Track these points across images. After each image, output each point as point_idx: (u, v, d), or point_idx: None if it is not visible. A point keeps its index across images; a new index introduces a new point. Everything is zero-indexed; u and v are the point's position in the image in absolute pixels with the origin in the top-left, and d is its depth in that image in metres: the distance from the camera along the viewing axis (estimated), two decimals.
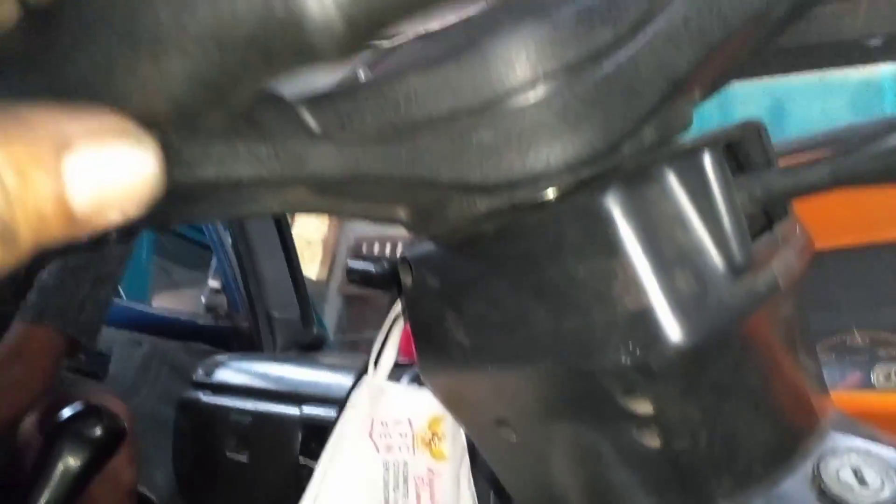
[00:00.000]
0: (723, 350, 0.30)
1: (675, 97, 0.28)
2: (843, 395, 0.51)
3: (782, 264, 0.31)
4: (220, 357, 1.40)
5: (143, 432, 1.44)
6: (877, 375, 0.49)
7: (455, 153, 0.27)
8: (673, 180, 0.29)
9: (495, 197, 0.30)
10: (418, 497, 0.39)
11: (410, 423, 0.40)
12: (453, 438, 0.41)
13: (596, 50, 0.26)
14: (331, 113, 0.26)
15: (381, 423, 0.39)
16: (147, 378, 1.64)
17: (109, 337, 1.55)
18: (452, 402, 0.40)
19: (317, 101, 0.27)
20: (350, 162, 0.27)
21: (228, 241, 1.63)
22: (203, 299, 1.81)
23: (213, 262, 1.78)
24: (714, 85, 0.34)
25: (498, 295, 0.33)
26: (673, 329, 0.28)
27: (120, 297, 1.65)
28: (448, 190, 0.30)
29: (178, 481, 1.32)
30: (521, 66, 0.26)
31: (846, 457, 0.34)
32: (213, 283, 1.76)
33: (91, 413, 0.72)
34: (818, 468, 0.34)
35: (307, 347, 1.49)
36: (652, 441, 0.31)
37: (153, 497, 1.42)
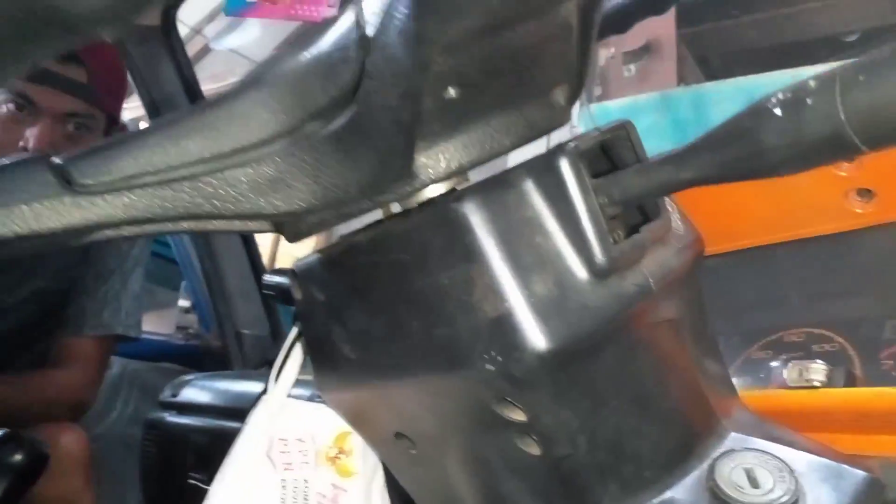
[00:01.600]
0: (594, 354, 0.29)
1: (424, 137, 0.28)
2: (758, 394, 0.50)
3: (656, 264, 0.30)
4: (188, 376, 1.38)
5: (113, 454, 1.42)
6: (790, 373, 0.49)
7: (222, 192, 0.28)
8: (529, 185, 0.28)
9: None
10: None
11: (313, 440, 0.39)
12: (363, 454, 0.40)
13: (317, 111, 0.27)
14: (89, 165, 0.27)
15: (281, 441, 0.38)
16: (117, 400, 1.63)
17: None
18: (352, 417, 0.39)
19: (79, 158, 0.27)
20: (125, 209, 0.27)
21: (197, 259, 1.61)
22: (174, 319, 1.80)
23: (184, 282, 1.77)
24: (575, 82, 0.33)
25: (375, 307, 0.32)
26: (533, 334, 0.27)
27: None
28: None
29: (145, 502, 1.31)
30: (257, 126, 0.28)
31: (742, 458, 0.34)
32: (184, 303, 1.74)
33: (10, 440, 0.71)
34: (712, 470, 0.33)
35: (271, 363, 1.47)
36: (532, 448, 0.31)
37: None
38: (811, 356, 0.54)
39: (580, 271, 0.28)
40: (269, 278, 0.49)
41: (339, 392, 0.37)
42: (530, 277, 0.27)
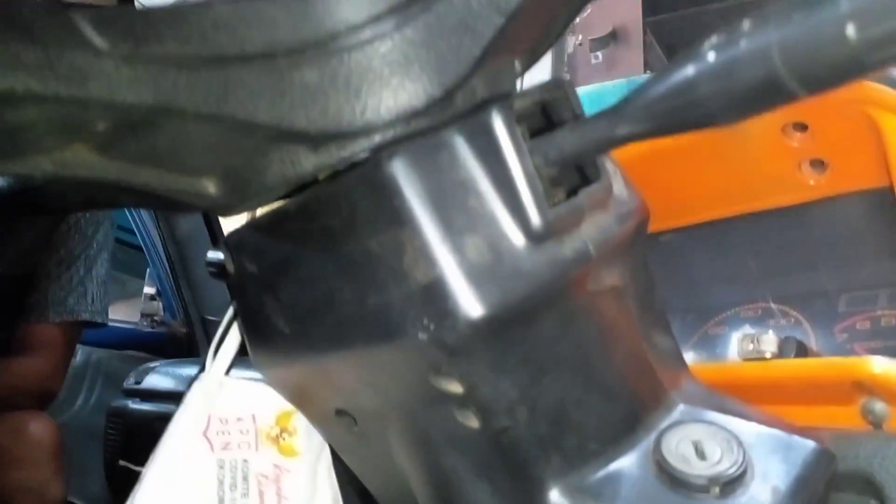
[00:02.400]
0: (531, 321, 0.28)
1: (505, 43, 0.26)
2: (707, 367, 0.50)
3: (595, 230, 0.29)
4: (152, 364, 1.36)
5: (77, 443, 1.40)
6: (741, 345, 0.48)
7: (275, 92, 0.25)
8: (461, 145, 0.27)
9: (323, 152, 0.27)
10: (261, 495, 0.37)
11: (254, 419, 0.38)
12: (308, 433, 0.39)
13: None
14: (120, 30, 0.23)
15: (220, 420, 0.37)
16: (82, 388, 1.60)
17: None
18: (292, 395, 0.38)
19: (102, 16, 0.24)
20: (145, 87, 0.24)
21: (161, 246, 1.59)
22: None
23: (149, 269, 1.74)
24: (537, 48, 0.32)
25: (307, 276, 0.31)
26: (465, 300, 0.26)
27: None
28: (268, 140, 0.27)
29: (109, 491, 1.29)
30: (347, 8, 0.24)
31: (690, 429, 0.33)
32: (148, 289, 1.72)
33: None
34: (659, 442, 0.32)
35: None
36: (471, 422, 0.30)
37: None
38: (767, 331, 0.53)
39: (515, 235, 0.27)
40: (210, 255, 0.47)
41: (276, 369, 0.36)
42: (462, 242, 0.26)
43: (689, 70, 0.22)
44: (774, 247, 0.56)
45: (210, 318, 1.52)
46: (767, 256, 0.57)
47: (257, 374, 0.42)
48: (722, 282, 0.59)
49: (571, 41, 2.13)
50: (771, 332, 0.48)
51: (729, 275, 0.59)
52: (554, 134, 0.27)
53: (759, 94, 0.21)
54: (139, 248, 1.74)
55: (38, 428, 1.19)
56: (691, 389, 0.37)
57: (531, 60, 0.32)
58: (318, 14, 0.24)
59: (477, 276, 0.26)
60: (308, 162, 0.28)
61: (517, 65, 0.31)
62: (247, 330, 0.36)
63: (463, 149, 0.27)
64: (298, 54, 0.25)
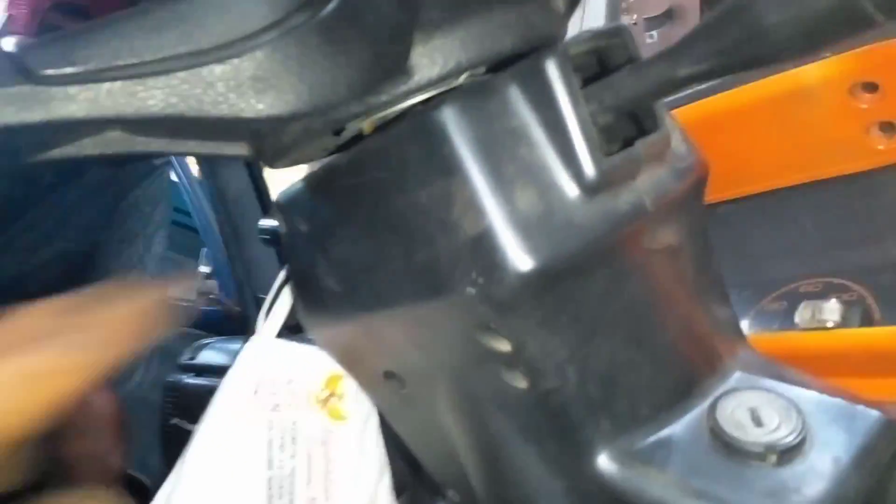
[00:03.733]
0: (583, 276, 0.27)
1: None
2: (765, 337, 0.48)
3: (651, 183, 0.28)
4: (206, 340, 1.39)
5: (135, 416, 1.43)
6: (801, 314, 0.46)
7: (197, 92, 0.25)
8: (513, 91, 0.26)
9: (370, 100, 0.27)
10: (309, 457, 0.37)
11: (303, 382, 0.38)
12: (356, 397, 0.38)
13: None
14: (51, 54, 0.24)
15: (270, 382, 0.37)
16: (140, 364, 1.64)
17: None
18: (340, 356, 0.38)
19: (37, 45, 0.24)
20: (90, 104, 0.24)
21: (216, 226, 1.61)
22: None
23: (204, 248, 1.77)
24: None
25: (357, 233, 0.31)
26: (515, 253, 0.25)
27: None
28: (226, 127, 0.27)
29: (166, 464, 1.32)
30: (239, 18, 0.25)
31: (746, 396, 0.32)
32: (204, 268, 1.74)
33: None
34: (713, 409, 0.31)
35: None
36: (519, 382, 0.29)
37: (146, 480, 1.41)
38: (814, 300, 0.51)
39: (568, 186, 0.26)
40: (263, 223, 0.48)
41: (326, 329, 0.36)
42: (513, 192, 0.26)
43: None
44: (838, 217, 0.54)
45: (263, 296, 1.54)
46: (830, 227, 0.54)
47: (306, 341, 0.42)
48: (781, 255, 0.57)
49: (626, 20, 2.09)
50: (833, 300, 0.45)
51: (788, 247, 0.57)
52: (610, 78, 0.26)
53: (831, 20, 0.20)
54: (194, 230, 1.77)
55: (100, 400, 1.22)
56: (748, 357, 0.35)
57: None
58: (231, 19, 0.25)
59: (527, 228, 0.25)
60: (351, 111, 0.28)
61: (556, 1, 0.30)
62: (298, 290, 0.36)
63: (515, 96, 0.26)
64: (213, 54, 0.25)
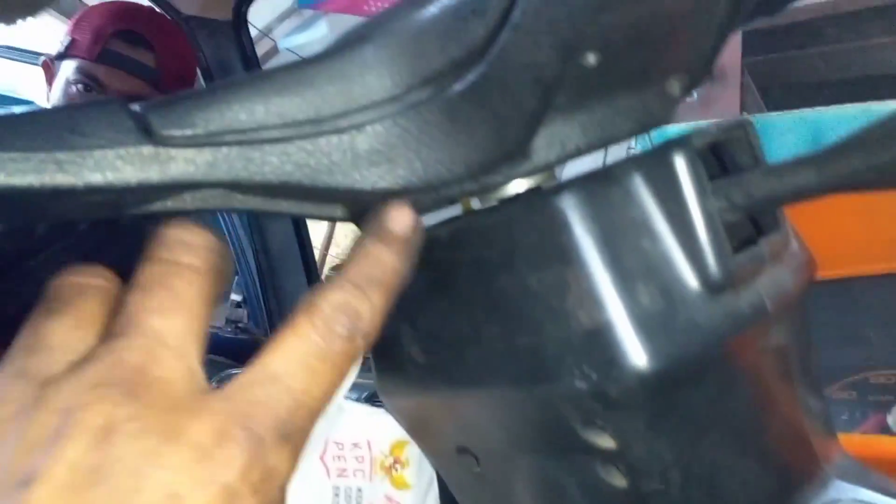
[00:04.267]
0: (698, 379, 0.26)
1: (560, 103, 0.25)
2: (857, 438, 0.46)
3: (771, 283, 0.27)
4: (233, 370, 1.38)
5: None
6: (895, 418, 0.44)
7: (313, 161, 0.25)
8: (639, 182, 0.25)
9: (484, 180, 0.27)
10: None
11: (369, 447, 0.36)
12: (419, 466, 0.37)
13: (431, 75, 0.24)
14: (172, 116, 0.24)
15: (337, 445, 0.36)
16: None
17: None
18: (412, 426, 0.36)
19: (160, 106, 0.24)
20: (207, 168, 0.24)
21: (251, 255, 1.61)
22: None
23: (237, 276, 1.77)
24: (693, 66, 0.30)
25: (451, 308, 0.29)
26: (634, 350, 0.24)
27: None
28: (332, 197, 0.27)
29: None
30: (360, 90, 0.24)
31: None
32: (235, 297, 1.74)
33: None
34: None
35: None
36: (617, 480, 0.27)
37: None
38: None
39: (692, 283, 0.25)
40: (332, 273, 0.47)
41: (402, 398, 0.35)
42: (634, 286, 0.24)
43: None
44: None
45: None
46: None
47: (362, 396, 0.41)
48: (849, 344, 0.55)
49: None
50: None
51: (857, 337, 0.55)
52: (742, 176, 0.25)
53: None
54: None
55: None
56: (843, 463, 0.34)
57: (691, 83, 0.30)
58: (351, 90, 0.25)
59: (648, 325, 0.24)
60: (464, 189, 0.27)
61: (673, 87, 0.29)
62: (375, 354, 0.35)
63: (638, 185, 0.25)
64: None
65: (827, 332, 0.57)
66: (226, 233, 1.71)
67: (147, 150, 0.22)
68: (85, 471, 0.18)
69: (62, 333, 0.22)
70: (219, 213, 1.72)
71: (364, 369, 0.38)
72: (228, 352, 1.71)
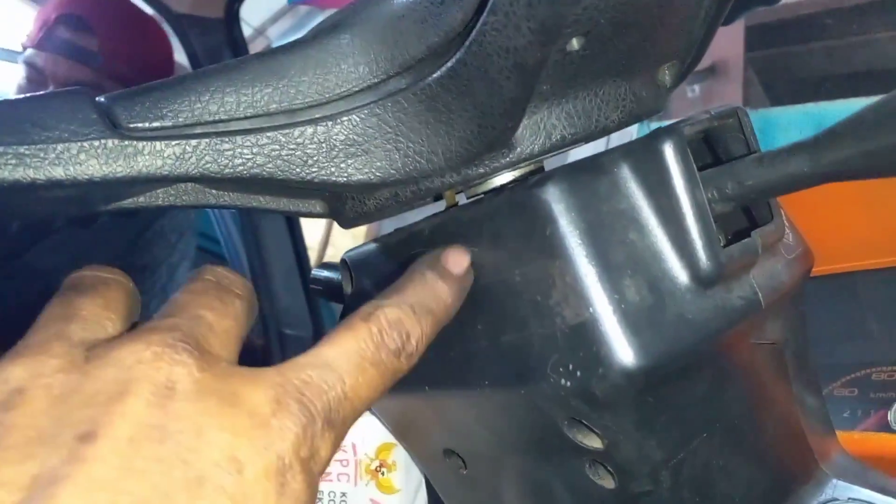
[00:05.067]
0: (688, 376, 0.25)
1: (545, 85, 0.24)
2: (858, 436, 0.45)
3: (765, 276, 0.26)
4: None
5: None
6: (894, 415, 0.43)
7: (287, 153, 0.24)
8: (627, 172, 0.24)
9: (467, 171, 0.26)
10: None
11: (354, 450, 0.35)
12: (407, 469, 0.36)
13: (408, 62, 0.23)
14: (139, 107, 0.23)
15: None
16: None
17: None
18: (398, 429, 0.35)
19: (126, 98, 0.23)
20: (176, 161, 0.23)
21: (244, 255, 1.60)
22: None
23: None
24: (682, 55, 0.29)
25: None
26: (622, 347, 0.23)
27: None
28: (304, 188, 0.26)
29: None
30: (335, 79, 0.24)
31: None
32: None
33: None
34: None
35: None
36: (605, 481, 0.26)
37: None
38: None
39: (681, 277, 0.24)
40: (317, 272, 0.46)
41: (386, 399, 0.34)
42: (621, 280, 0.23)
43: None
44: None
45: (287, 331, 1.52)
46: None
47: None
48: (852, 340, 0.54)
49: None
50: None
51: (860, 333, 0.54)
52: (733, 165, 0.24)
53: None
54: (222, 257, 1.76)
55: None
56: (842, 462, 0.33)
57: (681, 72, 0.29)
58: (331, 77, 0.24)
59: (635, 321, 0.23)
60: (445, 181, 0.26)
61: (664, 75, 0.28)
62: None
63: (626, 176, 0.24)
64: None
65: (827, 327, 0.55)
66: (218, 232, 1.70)
67: (112, 143, 0.21)
68: (148, 427, 0.18)
69: (95, 309, 0.22)
70: (210, 212, 1.71)
71: None
72: None
